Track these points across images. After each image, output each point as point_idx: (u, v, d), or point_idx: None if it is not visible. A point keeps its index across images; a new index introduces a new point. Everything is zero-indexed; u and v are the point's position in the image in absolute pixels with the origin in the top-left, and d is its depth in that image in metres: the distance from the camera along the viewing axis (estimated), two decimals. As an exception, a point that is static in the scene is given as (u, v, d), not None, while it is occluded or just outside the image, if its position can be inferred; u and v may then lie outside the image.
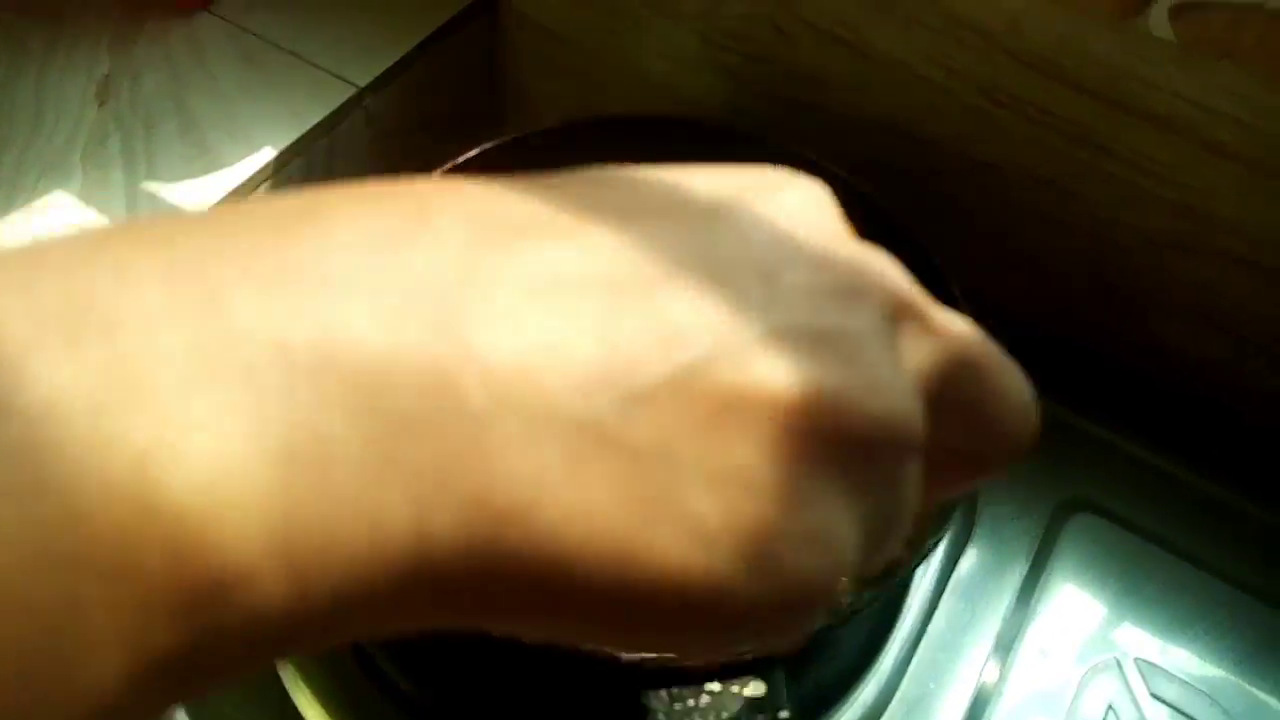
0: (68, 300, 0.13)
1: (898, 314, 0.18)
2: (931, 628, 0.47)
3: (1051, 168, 0.53)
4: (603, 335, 0.15)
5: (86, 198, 0.55)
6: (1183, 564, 0.49)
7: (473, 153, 0.54)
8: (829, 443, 0.16)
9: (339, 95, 0.60)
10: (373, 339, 0.14)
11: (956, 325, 0.19)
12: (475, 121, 0.72)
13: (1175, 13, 0.44)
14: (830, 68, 0.56)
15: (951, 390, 0.18)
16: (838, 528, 0.16)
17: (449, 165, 0.53)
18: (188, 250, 0.14)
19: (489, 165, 0.54)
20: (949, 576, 0.49)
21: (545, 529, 0.14)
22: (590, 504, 0.14)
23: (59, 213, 0.54)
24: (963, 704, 0.46)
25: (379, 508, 0.13)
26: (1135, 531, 0.50)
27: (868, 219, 0.53)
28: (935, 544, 0.41)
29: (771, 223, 0.18)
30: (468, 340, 0.14)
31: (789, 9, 0.55)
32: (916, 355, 0.18)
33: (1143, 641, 0.48)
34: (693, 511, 0.15)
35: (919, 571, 0.49)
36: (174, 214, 0.15)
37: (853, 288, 0.17)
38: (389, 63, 0.62)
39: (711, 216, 0.18)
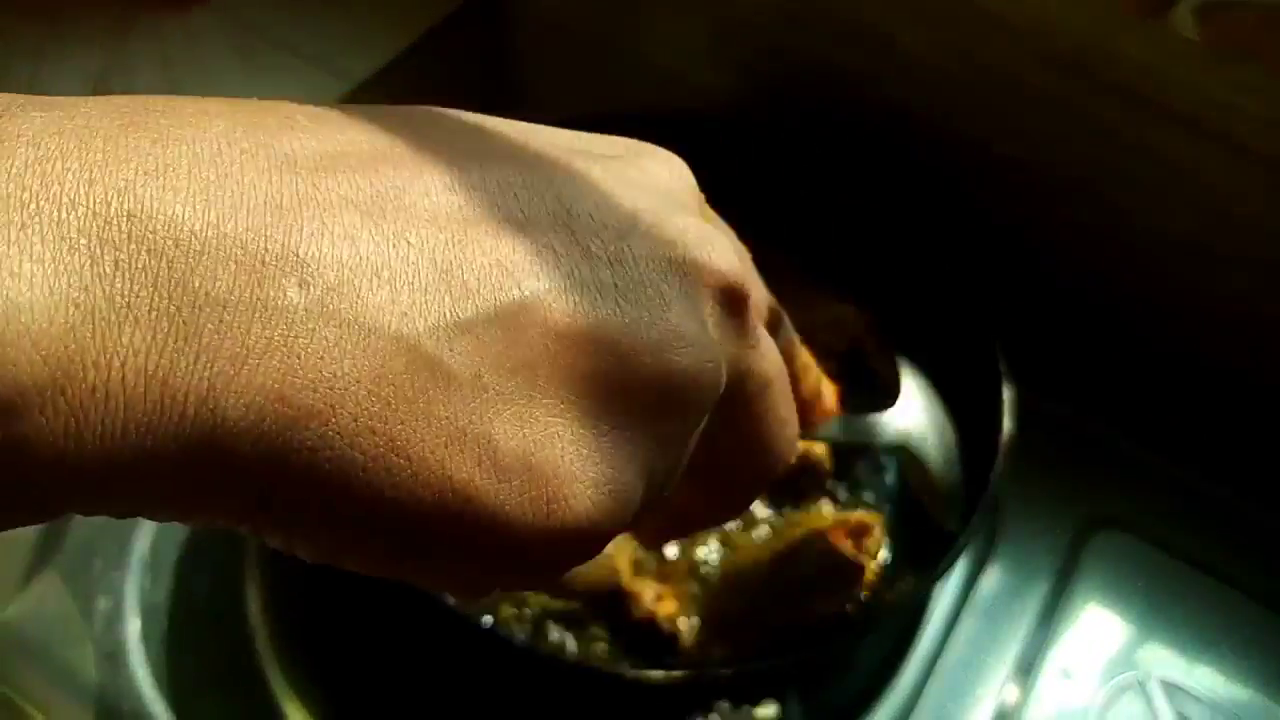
0: None
1: (729, 300, 0.19)
2: (950, 647, 0.46)
3: (1076, 168, 0.51)
4: (439, 263, 0.16)
5: (78, 196, 0.53)
6: (1210, 581, 0.48)
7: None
8: (636, 393, 0.17)
9: (337, 91, 0.58)
10: (192, 222, 0.14)
11: (765, 335, 0.21)
12: (478, 118, 0.70)
13: (1201, 12, 0.43)
14: (846, 61, 0.54)
15: (740, 397, 0.20)
16: (627, 477, 0.17)
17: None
18: (62, 126, 0.15)
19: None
20: (969, 594, 0.47)
21: (339, 435, 0.15)
22: (389, 418, 0.15)
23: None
24: (982, 726, 0.44)
25: (167, 374, 0.14)
26: (1162, 548, 0.49)
27: (887, 220, 0.52)
28: (954, 559, 0.40)
29: (630, 186, 0.19)
30: (294, 248, 0.15)
31: (805, 0, 0.53)
32: (729, 343, 0.19)
33: (1168, 661, 0.46)
34: (492, 442, 0.16)
35: (938, 588, 0.47)
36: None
37: (694, 262, 0.18)
38: (388, 58, 0.60)
39: (576, 171, 0.19)
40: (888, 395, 0.51)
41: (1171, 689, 0.45)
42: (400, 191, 0.16)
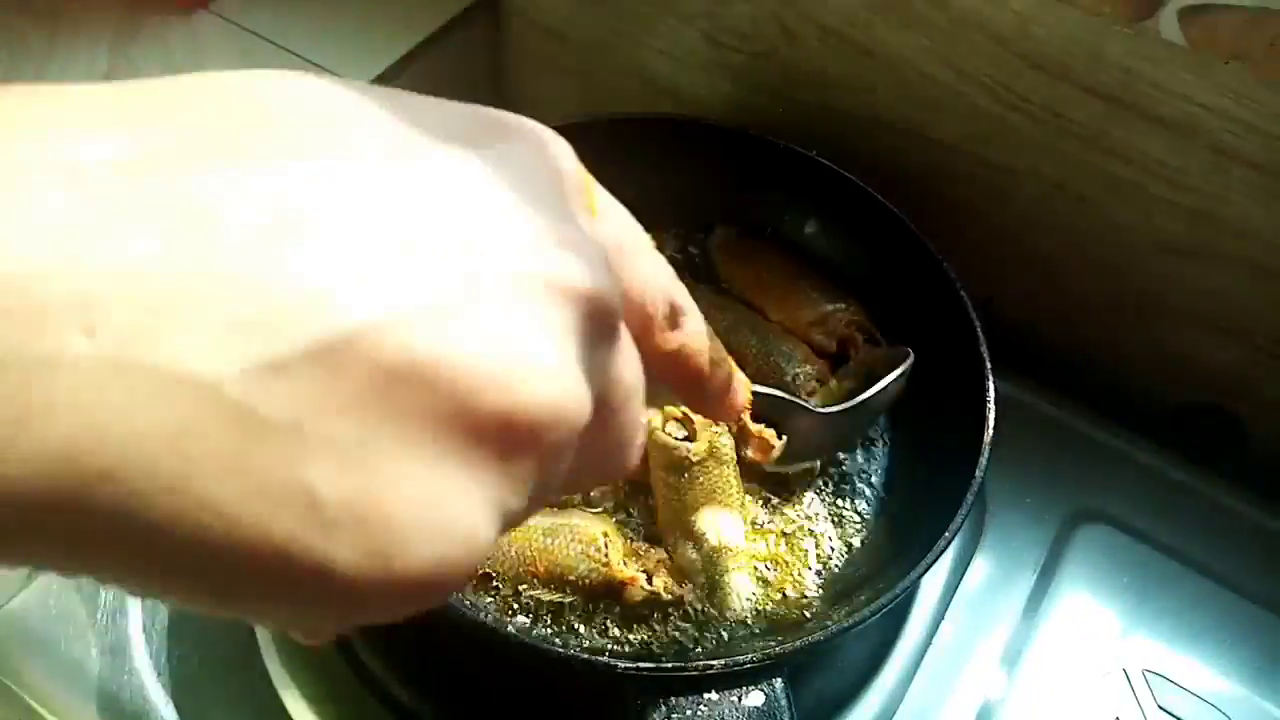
0: None
1: (594, 316, 0.17)
2: (937, 639, 0.47)
3: (1062, 171, 0.52)
4: (253, 291, 0.14)
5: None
6: (1194, 575, 0.49)
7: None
8: (482, 433, 0.15)
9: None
10: None
11: (630, 343, 0.19)
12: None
13: (1186, 15, 0.43)
14: (837, 68, 0.55)
15: (600, 412, 0.18)
16: (473, 521, 0.15)
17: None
18: None
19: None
20: (956, 586, 0.48)
21: (134, 496, 0.13)
22: (193, 474, 0.13)
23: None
24: (969, 716, 0.45)
25: None
26: (1146, 542, 0.50)
27: (875, 222, 0.52)
28: (940, 553, 0.41)
29: (495, 184, 0.17)
30: (81, 286, 0.13)
31: (795, 7, 0.54)
32: (594, 361, 0.18)
33: (1152, 653, 0.47)
34: (314, 493, 0.14)
35: (924, 581, 0.48)
36: None
37: (553, 278, 0.16)
38: (388, 62, 0.61)
39: (432, 167, 0.16)
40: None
41: (1155, 679, 0.46)
42: (214, 201, 0.14)
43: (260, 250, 0.14)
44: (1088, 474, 0.52)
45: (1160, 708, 0.45)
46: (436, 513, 0.15)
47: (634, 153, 0.56)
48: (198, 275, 0.13)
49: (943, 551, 0.41)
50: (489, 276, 0.15)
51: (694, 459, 0.44)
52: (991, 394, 0.44)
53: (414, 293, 0.15)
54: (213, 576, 0.14)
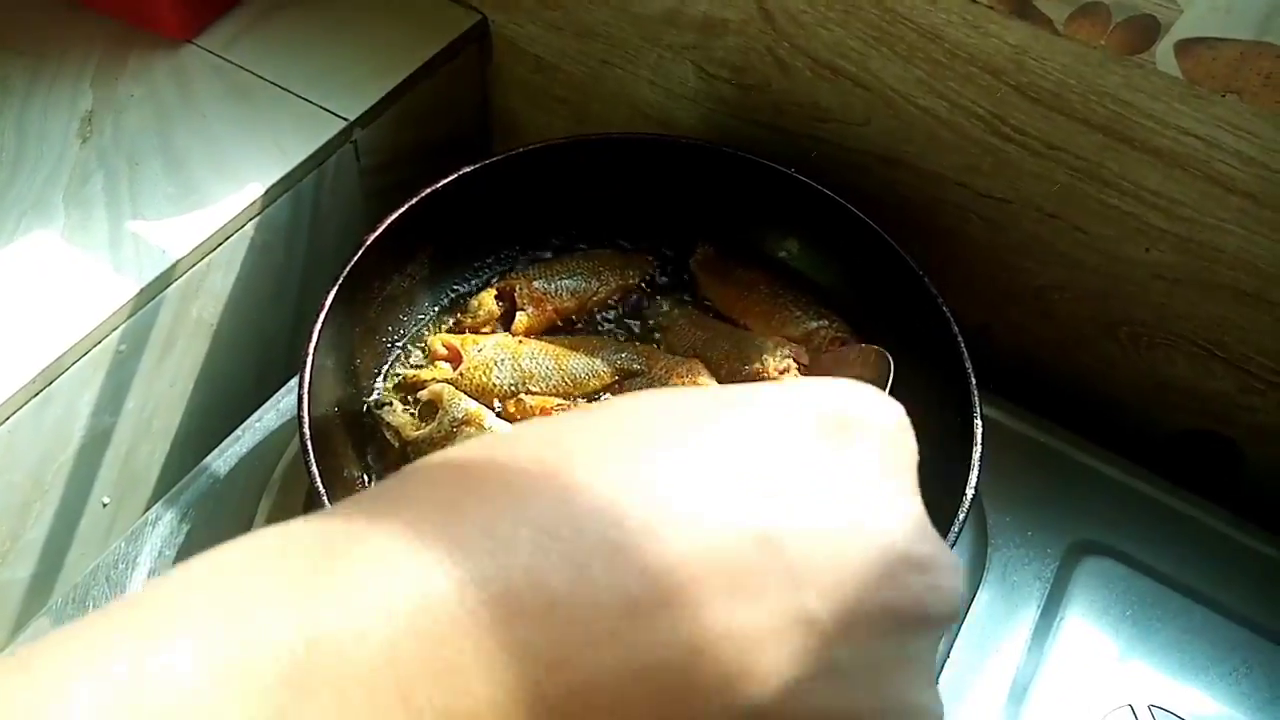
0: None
1: (946, 625, 0.19)
2: (943, 675, 0.46)
3: (1056, 202, 0.52)
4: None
5: (69, 237, 0.53)
6: (1198, 607, 0.48)
7: (450, 178, 0.52)
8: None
9: (327, 129, 0.59)
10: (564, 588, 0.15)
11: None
12: (466, 155, 0.70)
13: (1182, 48, 0.43)
14: (830, 99, 0.55)
15: None
16: None
17: (427, 191, 0.51)
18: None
19: (467, 190, 0.52)
20: (960, 622, 0.48)
21: None
22: None
23: (41, 253, 0.52)
24: (976, 754, 0.45)
25: None
26: (1149, 574, 0.49)
27: (855, 239, 0.52)
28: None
29: (851, 496, 0.17)
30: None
31: (787, 39, 0.54)
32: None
33: (1157, 686, 0.46)
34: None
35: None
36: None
37: (922, 616, 0.18)
38: (378, 95, 0.60)
39: (791, 502, 0.17)
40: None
41: (1160, 714, 0.46)
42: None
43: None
44: (1089, 505, 0.52)
45: (1166, 741, 0.45)
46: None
47: (616, 171, 0.56)
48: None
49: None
50: (871, 622, 0.17)
51: None
52: (978, 409, 0.44)
53: (808, 655, 0.16)
54: None
